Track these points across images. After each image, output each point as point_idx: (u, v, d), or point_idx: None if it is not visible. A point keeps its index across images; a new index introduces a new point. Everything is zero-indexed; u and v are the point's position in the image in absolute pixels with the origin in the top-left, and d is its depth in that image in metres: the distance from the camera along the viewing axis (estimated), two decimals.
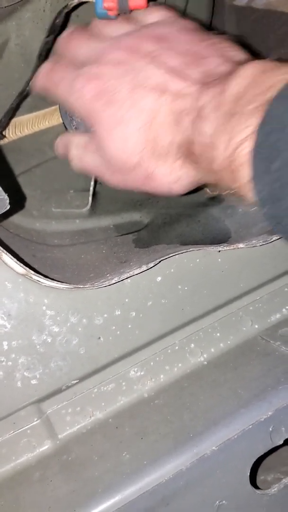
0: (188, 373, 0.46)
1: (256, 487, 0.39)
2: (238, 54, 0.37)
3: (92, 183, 0.61)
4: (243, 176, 0.31)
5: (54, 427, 0.43)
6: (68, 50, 0.43)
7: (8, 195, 0.35)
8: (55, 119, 0.63)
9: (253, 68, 0.33)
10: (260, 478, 0.41)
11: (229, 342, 0.48)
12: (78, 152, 0.44)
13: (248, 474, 0.37)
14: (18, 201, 0.58)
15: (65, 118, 0.53)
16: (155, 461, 0.36)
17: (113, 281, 0.41)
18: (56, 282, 0.40)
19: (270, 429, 0.38)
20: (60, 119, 0.55)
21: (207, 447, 0.37)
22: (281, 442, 0.38)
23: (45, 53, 0.50)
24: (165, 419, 0.41)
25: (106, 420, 0.44)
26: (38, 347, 0.41)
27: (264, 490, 0.39)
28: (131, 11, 0.43)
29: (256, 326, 0.50)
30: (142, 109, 0.37)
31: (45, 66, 0.44)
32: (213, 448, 0.37)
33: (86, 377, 0.44)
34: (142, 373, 0.46)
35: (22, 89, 0.53)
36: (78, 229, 0.60)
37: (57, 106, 0.56)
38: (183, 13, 0.69)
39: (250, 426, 0.38)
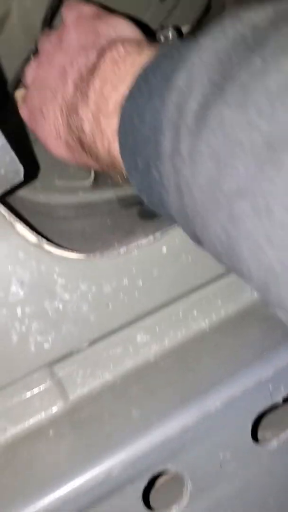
0: (191, 338, 0.49)
1: (258, 441, 0.42)
2: (119, 35, 0.41)
3: None
4: (122, 168, 0.36)
5: (65, 388, 0.45)
6: None
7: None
8: None
9: (108, 60, 0.37)
10: (261, 434, 0.43)
11: (229, 308, 0.51)
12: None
13: (250, 429, 0.40)
14: (30, 171, 0.59)
15: None
16: (163, 417, 0.39)
17: (121, 251, 0.43)
18: (67, 251, 0.42)
19: (270, 387, 0.41)
20: None
21: (211, 404, 0.39)
22: (280, 399, 0.41)
23: (49, 19, 0.50)
24: (171, 379, 0.44)
25: (115, 382, 0.46)
26: (50, 313, 0.43)
27: (265, 444, 0.42)
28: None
29: (255, 294, 0.52)
30: (49, 122, 0.45)
31: None
32: (217, 404, 0.39)
33: (95, 341, 0.46)
34: (148, 338, 0.48)
35: (25, 59, 0.54)
36: (82, 201, 0.61)
37: None
38: None
39: (251, 385, 0.40)
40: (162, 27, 0.57)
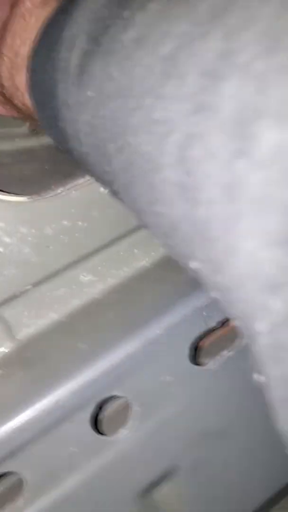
0: (133, 275, 0.51)
1: (196, 364, 0.45)
2: None
3: None
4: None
5: (11, 329, 0.46)
6: None
7: None
8: None
9: (18, 14, 0.37)
10: (201, 358, 0.47)
11: None
12: None
13: (188, 352, 0.43)
14: None
15: None
16: (108, 347, 0.41)
17: (59, 191, 0.43)
18: (5, 195, 0.42)
19: (204, 314, 0.43)
20: None
21: (152, 332, 0.42)
22: (213, 324, 0.44)
23: None
24: (116, 314, 0.46)
25: (61, 320, 0.48)
26: None
27: (202, 366, 0.45)
28: None
29: None
30: None
31: None
32: (157, 332, 0.42)
33: (39, 283, 0.47)
34: (91, 277, 0.50)
35: None
36: (19, 147, 0.61)
37: None
38: None
39: (188, 312, 0.43)
40: None
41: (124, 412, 0.44)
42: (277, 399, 0.19)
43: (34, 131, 0.63)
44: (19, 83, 0.37)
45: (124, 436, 0.43)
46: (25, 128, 0.62)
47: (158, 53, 0.21)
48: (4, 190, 0.48)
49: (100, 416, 0.43)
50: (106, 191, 0.49)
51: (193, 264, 0.23)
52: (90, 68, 0.27)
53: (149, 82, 0.22)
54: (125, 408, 0.44)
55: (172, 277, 0.48)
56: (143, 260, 0.52)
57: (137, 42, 0.23)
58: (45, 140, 0.63)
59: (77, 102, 0.29)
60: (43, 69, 0.33)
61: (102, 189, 0.48)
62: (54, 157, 0.59)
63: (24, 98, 0.38)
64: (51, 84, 0.32)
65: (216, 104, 0.18)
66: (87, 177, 0.45)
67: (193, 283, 0.47)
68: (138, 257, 0.52)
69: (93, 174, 0.33)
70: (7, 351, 0.46)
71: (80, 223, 0.47)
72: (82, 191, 0.47)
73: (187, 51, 0.20)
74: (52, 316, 0.48)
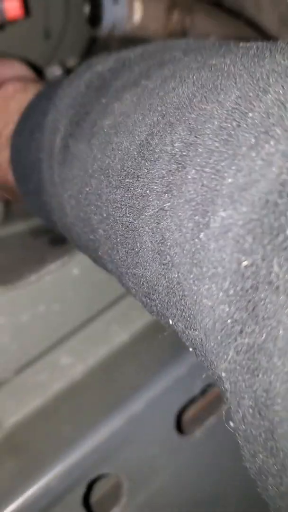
0: (114, 351, 0.52)
1: (183, 434, 0.45)
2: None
3: None
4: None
5: None
6: None
7: None
8: None
9: (1, 98, 0.42)
10: (187, 428, 0.47)
11: (144, 318, 0.54)
12: None
13: (173, 423, 0.44)
14: None
15: None
16: (93, 426, 0.42)
17: (33, 279, 0.45)
18: None
19: (188, 382, 0.45)
20: None
21: (134, 407, 0.42)
22: (197, 392, 0.45)
23: None
24: (97, 393, 0.47)
25: (44, 405, 0.48)
26: None
27: (189, 435, 0.46)
28: (9, 21, 0.48)
29: None
30: None
31: None
32: (140, 406, 0.42)
33: (20, 370, 0.48)
34: (72, 359, 0.51)
35: None
36: None
37: None
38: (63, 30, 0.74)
39: (170, 383, 0.44)
40: (49, 64, 0.61)
41: (115, 490, 0.44)
42: (242, 437, 0.20)
43: (8, 220, 0.66)
44: (2, 161, 0.40)
45: None
46: None
47: (134, 139, 0.24)
48: None
49: (92, 497, 0.43)
50: (78, 272, 0.52)
51: (170, 322, 0.25)
52: (73, 150, 0.30)
53: (127, 164, 0.25)
54: (116, 486, 0.44)
55: (152, 348, 0.50)
56: (121, 334, 0.53)
57: (115, 128, 0.26)
58: (19, 227, 0.65)
59: (62, 179, 0.32)
60: (27, 148, 0.37)
61: (75, 270, 0.50)
62: (28, 243, 0.62)
63: (7, 174, 0.41)
64: (35, 162, 0.36)
65: (181, 185, 0.21)
66: (59, 262, 0.47)
67: (173, 353, 0.49)
68: (117, 332, 0.53)
69: (77, 242, 0.35)
70: None
71: (56, 306, 0.49)
72: (55, 275, 0.49)
73: (158, 139, 0.23)
74: (35, 402, 0.48)
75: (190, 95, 0.22)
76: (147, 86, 0.27)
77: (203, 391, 0.46)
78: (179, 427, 0.45)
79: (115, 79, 0.30)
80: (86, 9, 0.40)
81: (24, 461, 0.42)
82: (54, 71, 0.65)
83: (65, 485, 0.39)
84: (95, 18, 0.39)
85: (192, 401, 0.46)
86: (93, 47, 0.85)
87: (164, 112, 0.23)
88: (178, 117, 0.22)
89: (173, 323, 0.25)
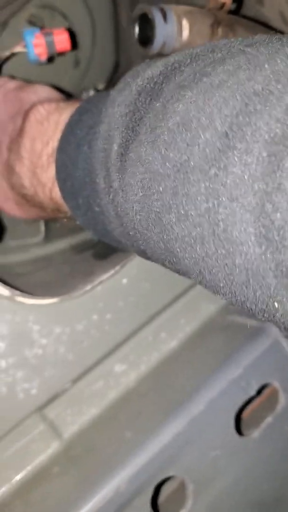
0: (164, 358, 0.53)
1: (242, 435, 0.46)
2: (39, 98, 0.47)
3: None
4: (66, 210, 0.41)
5: (58, 429, 0.48)
6: None
7: None
8: None
9: (33, 121, 0.43)
10: (245, 427, 0.47)
11: (193, 325, 0.55)
12: None
13: (233, 424, 0.44)
14: None
15: None
16: (154, 430, 0.42)
17: (88, 288, 0.47)
18: (37, 299, 0.46)
19: (243, 383, 0.45)
20: None
21: (195, 408, 0.43)
22: (254, 393, 0.46)
23: None
24: (154, 399, 0.48)
25: (102, 414, 0.49)
26: (31, 359, 0.46)
27: (248, 436, 0.46)
28: (59, 54, 0.50)
29: (212, 308, 0.57)
30: None
31: None
32: (200, 408, 0.43)
33: (77, 379, 0.49)
34: (125, 367, 0.52)
35: None
36: (37, 256, 0.65)
37: None
38: (92, 46, 0.77)
39: (227, 384, 0.44)
40: (84, 89, 0.64)
41: (180, 492, 0.44)
42: None
43: (49, 238, 0.68)
44: (47, 179, 0.41)
45: None
46: (39, 237, 0.67)
47: (215, 131, 0.25)
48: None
49: (160, 501, 0.44)
50: (127, 281, 0.53)
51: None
52: (135, 155, 0.30)
53: (211, 156, 0.25)
54: (181, 488, 0.44)
55: (203, 352, 0.51)
56: (171, 342, 0.54)
57: (184, 126, 0.27)
58: (61, 245, 0.67)
59: (123, 186, 0.32)
60: (74, 163, 0.37)
61: (125, 280, 0.51)
62: (71, 259, 0.63)
63: (52, 192, 0.42)
64: (84, 176, 0.36)
65: (280, 176, 0.21)
66: (110, 271, 0.48)
67: (226, 355, 0.50)
68: (166, 340, 0.54)
69: (144, 245, 0.34)
70: (57, 450, 0.47)
71: (108, 315, 0.50)
72: (106, 285, 0.50)
73: (246, 126, 0.23)
74: (93, 411, 0.49)
75: (273, 82, 0.23)
76: (211, 81, 0.27)
77: (259, 392, 0.46)
78: (238, 428, 0.45)
79: (168, 82, 0.30)
80: (136, 29, 0.42)
81: (90, 468, 0.43)
82: (89, 95, 0.67)
83: (133, 489, 0.40)
84: (146, 38, 0.41)
85: (249, 402, 0.46)
86: (116, 72, 0.88)
87: (246, 101, 0.24)
88: (265, 103, 0.23)
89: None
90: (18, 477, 0.45)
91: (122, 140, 0.32)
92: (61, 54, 0.53)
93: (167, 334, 0.54)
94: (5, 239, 0.66)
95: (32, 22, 0.68)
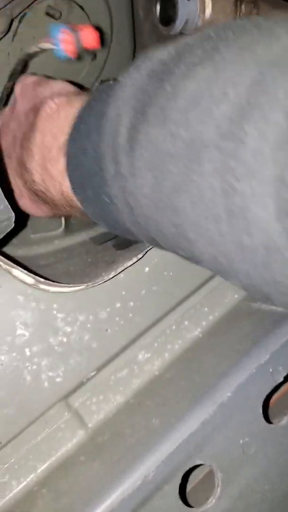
0: (188, 346, 0.52)
1: (270, 422, 0.45)
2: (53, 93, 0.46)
3: None
4: (78, 204, 0.41)
5: (83, 417, 0.47)
6: None
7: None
8: None
9: (44, 115, 0.42)
10: (272, 414, 0.47)
11: (216, 313, 0.55)
12: None
13: (261, 411, 0.44)
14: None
15: None
16: (181, 417, 0.42)
17: (111, 275, 0.46)
18: (61, 287, 0.45)
19: (270, 369, 0.44)
20: None
21: (222, 394, 0.42)
22: (281, 379, 0.45)
23: (5, 98, 0.55)
24: (180, 386, 0.47)
25: (128, 401, 0.48)
26: (56, 348, 0.46)
27: (277, 423, 0.45)
28: (87, 50, 0.50)
29: (236, 296, 0.56)
30: (13, 185, 0.49)
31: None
32: (228, 394, 0.42)
33: (102, 367, 0.49)
34: (149, 355, 0.51)
35: None
36: (58, 248, 0.65)
37: None
38: (109, 39, 0.77)
39: (254, 370, 0.44)
40: (102, 81, 0.63)
41: (208, 480, 0.44)
42: None
43: (69, 231, 0.68)
44: (56, 172, 0.41)
45: (212, 506, 0.42)
46: (61, 229, 0.67)
47: (229, 104, 0.24)
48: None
49: (188, 488, 0.43)
50: (149, 269, 0.52)
51: None
52: (144, 137, 0.30)
53: (225, 128, 0.24)
54: (209, 476, 0.44)
55: (228, 341, 0.50)
56: (195, 330, 0.53)
57: (194, 102, 0.26)
58: (81, 237, 0.67)
59: (132, 169, 0.31)
60: (84, 153, 0.37)
61: (147, 268, 0.51)
62: (93, 250, 0.63)
63: (62, 186, 0.41)
64: (93, 163, 0.35)
65: None
66: (133, 259, 0.48)
67: (252, 341, 0.49)
68: (190, 328, 0.54)
69: (154, 232, 0.34)
70: (82, 439, 0.46)
71: (131, 303, 0.50)
72: (128, 272, 0.50)
73: (262, 96, 0.22)
74: (118, 399, 0.49)
75: None
76: (224, 57, 0.26)
77: (286, 378, 0.46)
78: (266, 415, 0.44)
79: (178, 64, 0.30)
80: (157, 9, 0.42)
81: (117, 457, 0.42)
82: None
83: (161, 477, 0.40)
84: (167, 17, 0.40)
85: (276, 389, 0.45)
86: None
87: (262, 71, 0.23)
88: (283, 72, 0.22)
89: None
90: (44, 466, 0.44)
91: (131, 123, 0.31)
92: (88, 51, 0.52)
93: (190, 323, 0.54)
94: (27, 233, 0.66)
95: (50, 14, 0.68)
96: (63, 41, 0.50)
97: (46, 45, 0.53)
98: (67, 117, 0.40)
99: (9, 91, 0.55)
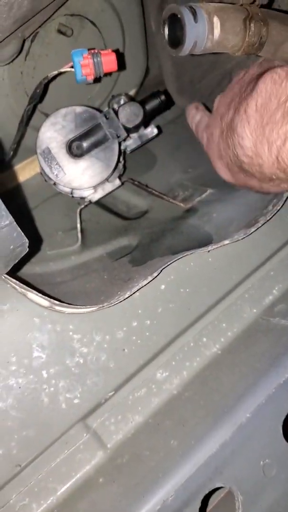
0: (207, 364, 0.51)
1: None
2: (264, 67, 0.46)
3: (78, 220, 0.67)
4: None
5: (102, 438, 0.47)
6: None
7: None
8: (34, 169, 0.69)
9: (269, 81, 0.41)
10: None
11: (235, 329, 0.54)
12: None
13: (281, 431, 0.43)
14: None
15: (44, 167, 0.59)
16: (201, 439, 0.41)
17: (126, 295, 0.46)
18: (76, 307, 0.45)
19: None
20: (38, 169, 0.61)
21: (242, 415, 0.42)
22: None
23: (26, 120, 0.56)
24: (199, 405, 0.46)
25: (146, 421, 0.48)
26: (73, 369, 0.46)
27: None
28: (105, 74, 0.50)
29: (255, 310, 0.55)
30: (215, 144, 0.50)
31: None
32: (247, 415, 0.42)
33: (120, 387, 0.48)
34: (167, 374, 0.51)
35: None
36: (75, 264, 0.65)
37: (35, 156, 0.62)
38: (122, 57, 0.77)
39: (273, 390, 0.43)
40: (113, 97, 0.64)
41: (229, 503, 0.43)
42: None
43: (86, 246, 0.68)
44: (277, 136, 0.40)
45: None
46: (77, 245, 0.67)
47: None
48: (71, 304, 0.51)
49: (207, 510, 0.42)
50: (165, 287, 0.52)
51: None
52: None
53: None
54: (230, 499, 0.43)
55: (246, 358, 0.49)
56: (213, 347, 0.53)
57: None
58: (98, 252, 0.67)
59: None
60: None
61: (163, 286, 0.51)
62: (109, 266, 0.63)
63: (281, 151, 0.40)
64: None
65: None
66: (149, 278, 0.47)
67: (270, 360, 0.48)
68: (208, 345, 0.53)
69: None
70: (102, 460, 0.46)
71: (148, 321, 0.50)
72: (144, 292, 0.49)
73: None
74: (137, 419, 0.48)
75: None
76: None
77: None
78: (286, 435, 0.44)
79: None
80: (166, 31, 0.41)
81: (136, 478, 0.42)
82: (119, 101, 0.66)
83: (181, 500, 0.39)
84: (176, 38, 0.40)
85: None
86: (148, 76, 0.88)
87: None
88: None
89: None
90: (64, 489, 0.44)
91: None
92: (107, 74, 0.53)
93: (208, 339, 0.53)
94: (43, 250, 0.67)
95: (61, 32, 0.68)
96: (83, 66, 0.51)
97: (65, 69, 0.54)
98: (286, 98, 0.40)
99: (30, 113, 0.56)
